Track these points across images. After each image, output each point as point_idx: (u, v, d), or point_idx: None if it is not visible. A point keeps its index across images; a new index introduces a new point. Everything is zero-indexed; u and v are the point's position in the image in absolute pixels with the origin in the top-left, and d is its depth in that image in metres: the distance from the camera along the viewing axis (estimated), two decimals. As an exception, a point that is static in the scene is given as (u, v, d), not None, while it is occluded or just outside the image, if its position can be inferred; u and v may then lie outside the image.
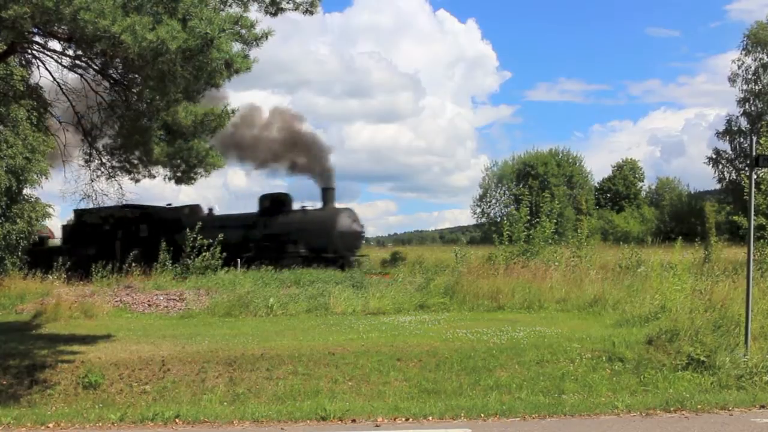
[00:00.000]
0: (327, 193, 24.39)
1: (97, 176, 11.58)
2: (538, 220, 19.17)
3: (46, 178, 20.30)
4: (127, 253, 22.50)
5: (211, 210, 26.46)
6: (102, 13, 7.25)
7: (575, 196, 54.09)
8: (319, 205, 24.22)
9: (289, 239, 23.02)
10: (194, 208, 26.28)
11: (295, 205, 24.80)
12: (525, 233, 18.73)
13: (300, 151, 26.29)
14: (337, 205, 24.36)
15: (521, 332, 11.17)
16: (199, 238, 19.58)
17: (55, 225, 31.21)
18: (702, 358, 9.50)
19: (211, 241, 19.78)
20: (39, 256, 23.42)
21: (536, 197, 26.43)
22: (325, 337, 11.26)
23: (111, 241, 25.98)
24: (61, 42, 9.38)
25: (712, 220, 36.34)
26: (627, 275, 16.01)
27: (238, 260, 20.44)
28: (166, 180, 11.26)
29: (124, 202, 27.78)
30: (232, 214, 26.50)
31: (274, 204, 24.57)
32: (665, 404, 8.14)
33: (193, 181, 11.15)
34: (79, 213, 27.66)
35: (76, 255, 21.68)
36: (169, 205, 27.75)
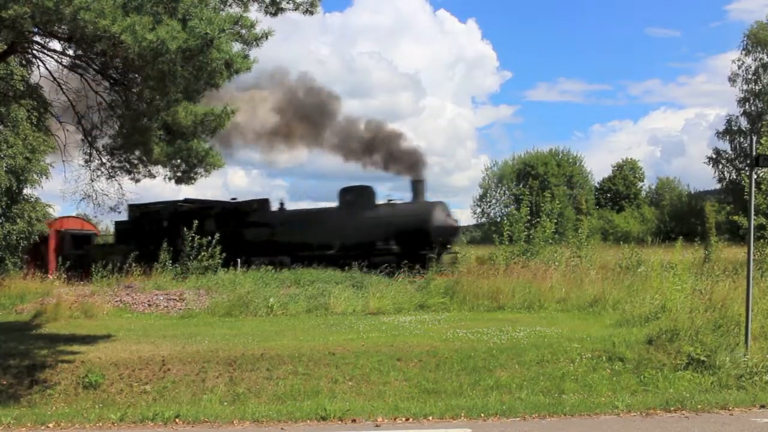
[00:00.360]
0: (417, 186, 22.60)
1: (97, 176, 11.59)
2: (538, 220, 19.18)
3: (47, 178, 20.32)
4: (197, 249, 21.87)
5: (282, 204, 24.72)
6: (102, 13, 7.25)
7: (575, 196, 54.09)
8: (407, 198, 22.51)
9: (379, 235, 21.11)
10: (263, 202, 24.53)
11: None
12: (525, 233, 18.73)
13: (384, 143, 24.80)
14: (429, 198, 22.57)
15: (521, 332, 11.16)
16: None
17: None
18: (702, 358, 9.50)
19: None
20: (89, 255, 22.34)
21: (536, 197, 26.44)
22: (325, 337, 11.25)
23: (173, 237, 24.02)
24: (61, 42, 9.38)
25: (712, 220, 36.36)
26: (627, 275, 16.00)
27: (238, 260, 20.32)
28: (167, 180, 11.26)
29: (185, 197, 25.77)
30: (308, 208, 24.95)
31: (358, 197, 22.50)
32: (665, 404, 8.14)
33: (193, 181, 11.14)
34: (135, 208, 26.07)
35: (134, 252, 20.23)
36: (234, 199, 26.04)
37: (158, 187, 54.54)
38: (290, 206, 25.43)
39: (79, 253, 23.81)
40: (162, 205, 25.72)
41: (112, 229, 32.49)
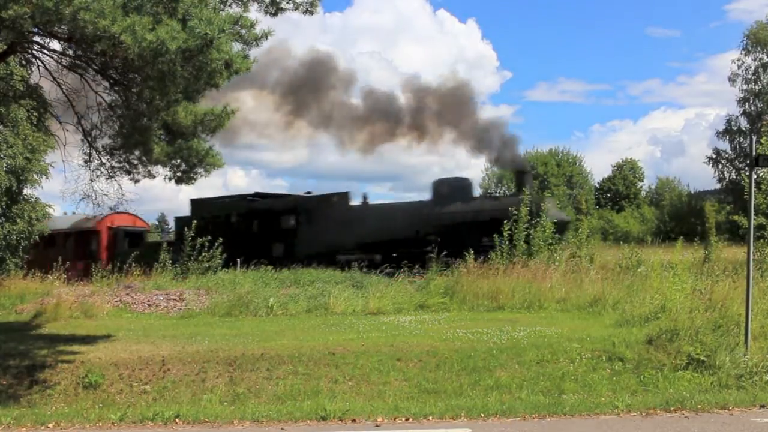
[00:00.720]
0: (521, 177, 21.10)
1: (97, 176, 11.60)
2: (538, 220, 19.12)
3: (46, 178, 20.34)
4: (268, 246, 20.44)
5: (365, 198, 23.38)
6: (102, 13, 7.26)
7: (575, 196, 54.07)
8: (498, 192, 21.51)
9: (483, 230, 19.26)
10: (343, 196, 22.93)
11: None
12: (525, 233, 18.68)
13: (480, 131, 22.88)
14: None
15: (521, 332, 11.16)
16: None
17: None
18: (702, 358, 9.49)
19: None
20: (146, 252, 21.29)
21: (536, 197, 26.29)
22: (325, 337, 11.25)
23: (243, 234, 22.59)
24: (61, 42, 9.38)
25: (712, 219, 36.31)
26: (627, 275, 15.98)
27: (238, 260, 20.25)
28: (166, 180, 11.28)
29: (255, 191, 23.69)
30: (395, 202, 23.41)
31: (454, 190, 20.97)
32: (665, 404, 8.14)
33: (193, 181, 11.16)
34: (198, 203, 24.78)
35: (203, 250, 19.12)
36: (309, 193, 24.61)
37: (158, 187, 54.63)
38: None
39: (134, 251, 22.24)
40: (230, 200, 24.36)
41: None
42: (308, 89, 24.20)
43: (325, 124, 25.18)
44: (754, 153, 10.08)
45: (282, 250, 20.07)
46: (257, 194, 24.96)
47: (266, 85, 23.79)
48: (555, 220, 18.96)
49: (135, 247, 24.48)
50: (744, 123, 41.31)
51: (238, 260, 20.16)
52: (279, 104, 24.75)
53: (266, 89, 24.14)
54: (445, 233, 19.84)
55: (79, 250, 23.71)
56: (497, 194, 21.45)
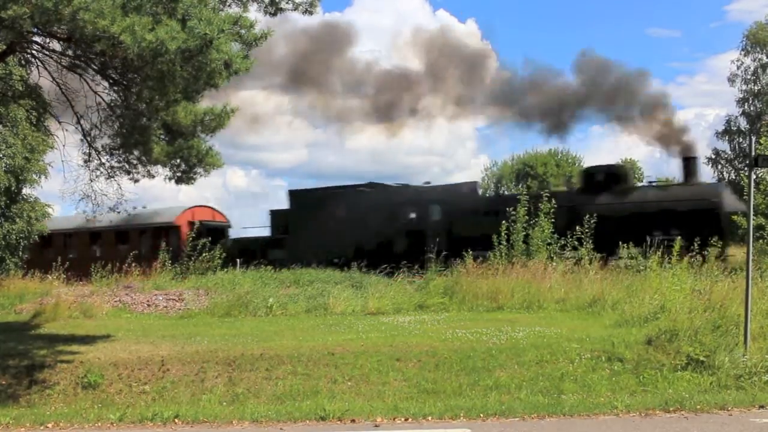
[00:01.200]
0: (689, 164, 18.97)
1: (96, 176, 11.61)
2: (537, 220, 19.12)
3: (46, 178, 20.36)
4: (388, 244, 18.89)
5: (497, 188, 22.38)
6: (101, 13, 7.26)
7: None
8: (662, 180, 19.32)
9: (649, 222, 17.36)
10: (472, 186, 21.14)
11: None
12: (523, 233, 18.67)
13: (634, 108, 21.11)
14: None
15: (520, 332, 11.15)
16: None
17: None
18: (701, 358, 9.49)
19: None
20: (235, 250, 19.90)
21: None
22: (324, 337, 11.25)
23: (353, 229, 20.64)
24: (61, 42, 9.39)
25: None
26: (626, 275, 15.97)
27: (237, 260, 20.21)
28: (166, 180, 11.28)
29: (368, 181, 21.90)
30: (536, 191, 20.66)
31: (609, 178, 18.93)
32: (664, 404, 8.14)
33: (192, 181, 11.17)
34: (299, 195, 22.76)
35: (309, 247, 17.99)
36: (427, 183, 22.54)
37: (157, 187, 54.51)
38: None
39: (217, 247, 20.48)
40: (337, 190, 22.45)
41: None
42: (318, 69, 22.94)
43: (335, 113, 24.42)
44: (753, 153, 10.08)
45: (405, 248, 18.30)
46: (371, 184, 22.93)
47: (268, 82, 23.27)
48: (736, 212, 17.30)
49: (217, 243, 22.21)
50: (743, 123, 41.32)
51: (238, 260, 20.09)
52: (281, 91, 23.72)
53: (269, 87, 23.71)
54: (599, 226, 17.00)
55: (156, 246, 22.52)
56: (658, 183, 19.39)
